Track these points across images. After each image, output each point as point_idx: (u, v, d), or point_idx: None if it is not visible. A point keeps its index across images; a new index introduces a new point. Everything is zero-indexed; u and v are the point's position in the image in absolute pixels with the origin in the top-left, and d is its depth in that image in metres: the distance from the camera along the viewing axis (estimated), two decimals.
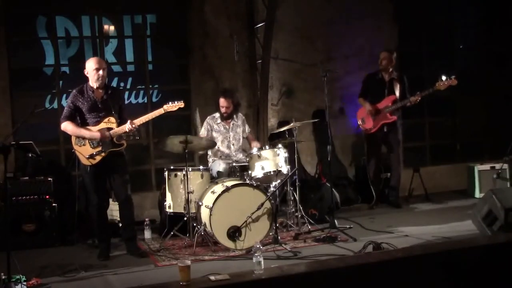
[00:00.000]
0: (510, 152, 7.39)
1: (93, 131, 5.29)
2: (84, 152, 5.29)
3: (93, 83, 5.30)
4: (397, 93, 7.02)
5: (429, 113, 8.65)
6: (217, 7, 7.47)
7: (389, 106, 6.98)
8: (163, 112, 5.47)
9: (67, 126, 5.32)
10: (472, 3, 9.05)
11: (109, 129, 5.30)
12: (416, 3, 8.51)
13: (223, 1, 7.49)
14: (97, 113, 5.32)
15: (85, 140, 5.30)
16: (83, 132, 5.29)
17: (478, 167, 7.70)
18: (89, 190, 5.42)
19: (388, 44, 8.09)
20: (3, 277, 4.17)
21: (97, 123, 5.31)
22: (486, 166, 7.71)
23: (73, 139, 5.36)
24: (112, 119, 5.32)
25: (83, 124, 5.36)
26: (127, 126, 5.25)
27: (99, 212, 5.46)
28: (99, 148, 5.28)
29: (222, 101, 6.35)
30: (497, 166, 7.54)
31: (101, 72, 5.26)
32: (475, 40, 9.18)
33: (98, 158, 5.28)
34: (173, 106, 5.50)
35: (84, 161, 5.32)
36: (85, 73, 5.33)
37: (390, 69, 7.07)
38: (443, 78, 6.72)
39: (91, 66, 5.29)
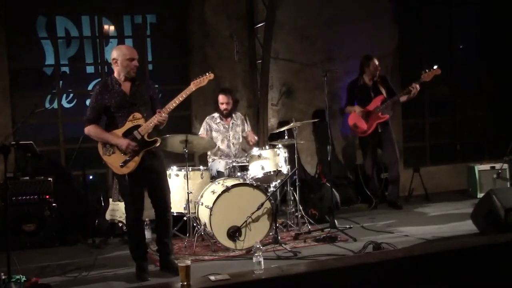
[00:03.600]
0: (510, 152, 7.40)
1: (119, 137, 4.59)
2: (116, 162, 4.61)
3: (121, 74, 4.64)
4: (384, 93, 7.03)
5: (429, 113, 8.66)
6: (217, 7, 7.46)
7: (379, 107, 6.97)
8: (193, 89, 4.85)
9: (90, 130, 4.66)
10: (472, 3, 9.04)
11: (137, 126, 4.61)
12: (416, 3, 8.51)
13: (223, 1, 7.48)
14: (127, 110, 4.63)
15: (113, 147, 4.60)
16: (109, 137, 4.61)
17: (478, 167, 7.67)
18: (127, 203, 4.77)
19: (388, 44, 8.10)
20: (3, 277, 4.16)
21: (124, 122, 4.64)
22: (486, 166, 7.68)
23: (100, 148, 4.68)
24: (137, 114, 4.62)
25: (111, 125, 4.67)
26: (156, 118, 4.62)
27: (137, 228, 4.79)
28: (131, 152, 4.60)
29: (222, 98, 6.36)
30: (497, 166, 7.53)
31: (135, 62, 4.63)
32: (475, 40, 9.17)
33: (133, 164, 4.59)
34: (201, 80, 4.88)
35: (118, 170, 4.64)
36: (112, 62, 4.66)
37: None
38: (426, 70, 6.81)
39: (122, 54, 4.61)
